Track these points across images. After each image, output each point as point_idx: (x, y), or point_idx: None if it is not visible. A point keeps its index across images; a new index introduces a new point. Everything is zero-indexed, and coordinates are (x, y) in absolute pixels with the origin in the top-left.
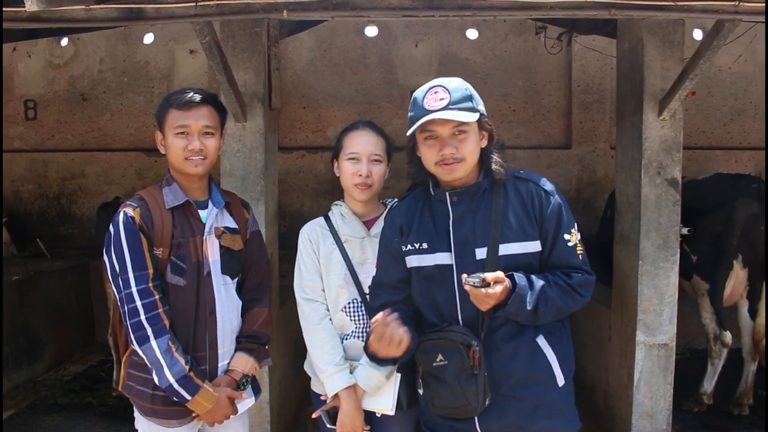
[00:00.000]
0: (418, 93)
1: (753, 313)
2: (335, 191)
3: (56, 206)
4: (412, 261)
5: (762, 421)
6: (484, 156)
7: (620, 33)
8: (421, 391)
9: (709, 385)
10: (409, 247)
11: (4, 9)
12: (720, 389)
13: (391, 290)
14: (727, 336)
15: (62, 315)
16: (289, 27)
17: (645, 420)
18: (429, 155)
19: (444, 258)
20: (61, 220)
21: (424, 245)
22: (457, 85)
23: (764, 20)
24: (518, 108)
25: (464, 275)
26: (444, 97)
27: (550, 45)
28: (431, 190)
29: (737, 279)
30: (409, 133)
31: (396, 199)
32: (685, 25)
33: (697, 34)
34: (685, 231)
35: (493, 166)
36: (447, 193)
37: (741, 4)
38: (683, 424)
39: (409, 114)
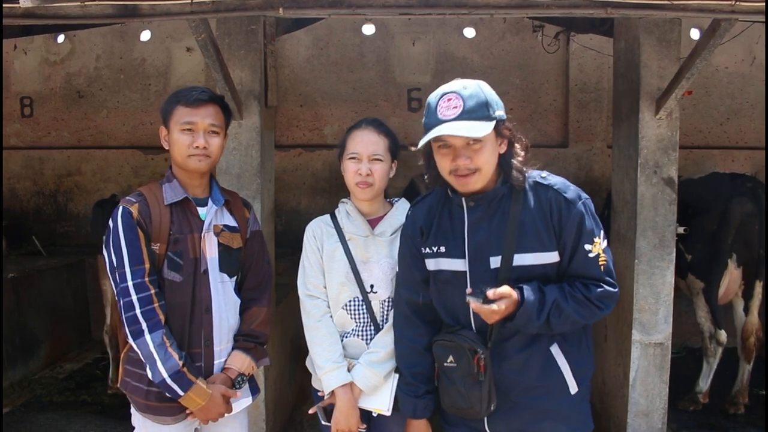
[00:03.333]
0: (432, 98)
1: (746, 311)
2: (332, 189)
3: (52, 204)
4: (430, 264)
5: (757, 420)
6: (503, 161)
7: (617, 32)
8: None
9: (704, 383)
10: (427, 249)
11: None
12: (716, 388)
13: (412, 288)
14: (723, 335)
15: (58, 313)
16: (285, 25)
17: (641, 419)
18: (443, 164)
19: (459, 264)
20: (57, 217)
21: (442, 249)
22: (472, 91)
23: (761, 20)
24: (515, 107)
25: (468, 291)
26: (457, 105)
27: (547, 44)
28: (449, 193)
29: (732, 278)
30: (421, 144)
31: (400, 198)
32: (681, 25)
33: (695, 34)
34: (681, 230)
35: (513, 173)
36: (463, 199)
37: (737, 3)
38: (679, 422)
39: (423, 120)
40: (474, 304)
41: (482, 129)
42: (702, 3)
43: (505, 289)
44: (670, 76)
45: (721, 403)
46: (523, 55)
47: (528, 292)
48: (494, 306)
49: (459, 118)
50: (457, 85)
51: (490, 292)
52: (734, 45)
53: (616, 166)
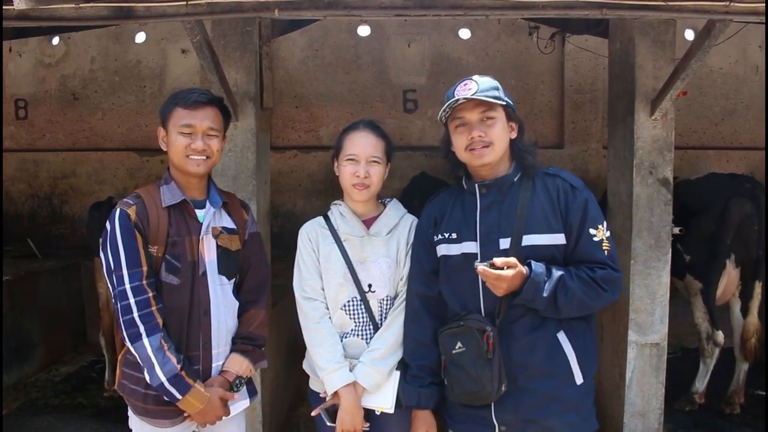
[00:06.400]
0: (451, 88)
1: (745, 312)
2: (328, 191)
3: (47, 206)
4: (441, 249)
5: (753, 420)
6: (515, 148)
7: (612, 33)
8: (445, 381)
9: (701, 384)
10: (439, 236)
11: None
12: (712, 388)
13: (423, 280)
14: (720, 335)
15: (53, 315)
16: (281, 26)
17: (637, 419)
18: (459, 142)
19: (470, 247)
20: (52, 220)
21: (453, 235)
22: (486, 79)
23: (755, 20)
24: None
25: (477, 261)
26: (472, 87)
27: (542, 45)
28: (464, 183)
29: (730, 278)
30: (439, 116)
31: (392, 199)
32: (676, 26)
33: (689, 35)
34: (676, 230)
35: (527, 157)
36: (476, 185)
37: (732, 4)
38: (675, 423)
39: (443, 106)
40: (481, 267)
41: (494, 100)
42: (697, 4)
43: (511, 258)
44: (665, 77)
45: (717, 404)
46: (519, 56)
47: (535, 265)
48: (501, 272)
49: (474, 95)
50: (473, 76)
51: (498, 260)
52: (729, 46)
53: (612, 166)
